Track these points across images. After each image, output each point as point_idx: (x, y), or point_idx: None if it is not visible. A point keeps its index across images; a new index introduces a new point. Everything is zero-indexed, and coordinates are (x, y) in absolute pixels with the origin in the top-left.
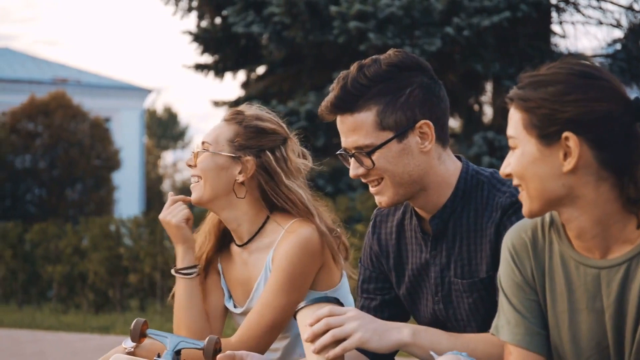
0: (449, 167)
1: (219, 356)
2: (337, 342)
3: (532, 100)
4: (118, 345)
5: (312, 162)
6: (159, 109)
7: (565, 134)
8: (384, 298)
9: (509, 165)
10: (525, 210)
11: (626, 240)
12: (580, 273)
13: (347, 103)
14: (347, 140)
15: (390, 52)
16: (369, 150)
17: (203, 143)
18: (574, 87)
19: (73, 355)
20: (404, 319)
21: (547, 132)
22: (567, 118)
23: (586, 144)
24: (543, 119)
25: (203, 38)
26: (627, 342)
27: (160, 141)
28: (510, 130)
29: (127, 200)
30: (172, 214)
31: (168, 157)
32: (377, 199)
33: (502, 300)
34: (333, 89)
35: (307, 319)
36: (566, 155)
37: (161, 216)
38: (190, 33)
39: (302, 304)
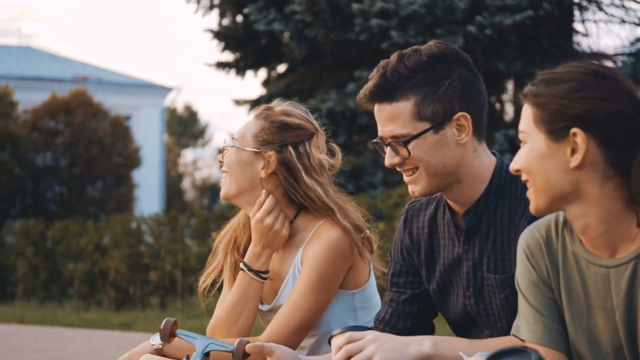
0: (484, 161)
1: (248, 345)
2: None
3: (544, 96)
4: (139, 342)
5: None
6: (180, 107)
7: (574, 129)
8: (414, 292)
9: (518, 161)
10: (532, 206)
11: (632, 238)
12: (591, 272)
13: (386, 92)
14: (384, 129)
15: (431, 43)
16: (405, 140)
17: (232, 139)
18: (584, 85)
19: (94, 352)
20: (432, 314)
21: (555, 127)
22: (575, 114)
23: (593, 142)
24: (553, 114)
25: (224, 36)
26: None
27: (181, 139)
28: (522, 125)
29: (148, 198)
30: (280, 222)
31: (188, 155)
32: (410, 188)
33: (520, 300)
34: (372, 78)
35: (334, 346)
36: (573, 152)
37: (269, 222)
38: (212, 31)
39: (335, 332)
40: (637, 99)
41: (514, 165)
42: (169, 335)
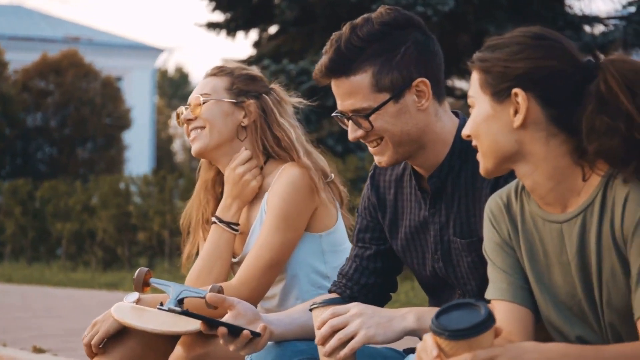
0: (445, 123)
1: (209, 295)
2: (346, 342)
3: (489, 60)
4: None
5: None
6: (171, 68)
7: (515, 90)
8: (379, 248)
9: (467, 126)
10: (481, 169)
11: (579, 192)
12: (547, 229)
13: (342, 66)
14: (344, 103)
15: (382, 9)
16: (366, 113)
17: (201, 95)
18: (525, 47)
19: (81, 310)
20: (395, 271)
21: (499, 89)
22: (517, 74)
23: (534, 100)
24: (496, 76)
25: None
26: (596, 293)
27: (171, 101)
28: (470, 91)
29: (138, 159)
30: (252, 173)
31: None
32: (376, 159)
33: (489, 266)
34: (326, 52)
35: (318, 321)
36: (516, 112)
37: (240, 170)
38: None
39: (315, 304)
40: (577, 59)
41: (464, 132)
42: (142, 285)
